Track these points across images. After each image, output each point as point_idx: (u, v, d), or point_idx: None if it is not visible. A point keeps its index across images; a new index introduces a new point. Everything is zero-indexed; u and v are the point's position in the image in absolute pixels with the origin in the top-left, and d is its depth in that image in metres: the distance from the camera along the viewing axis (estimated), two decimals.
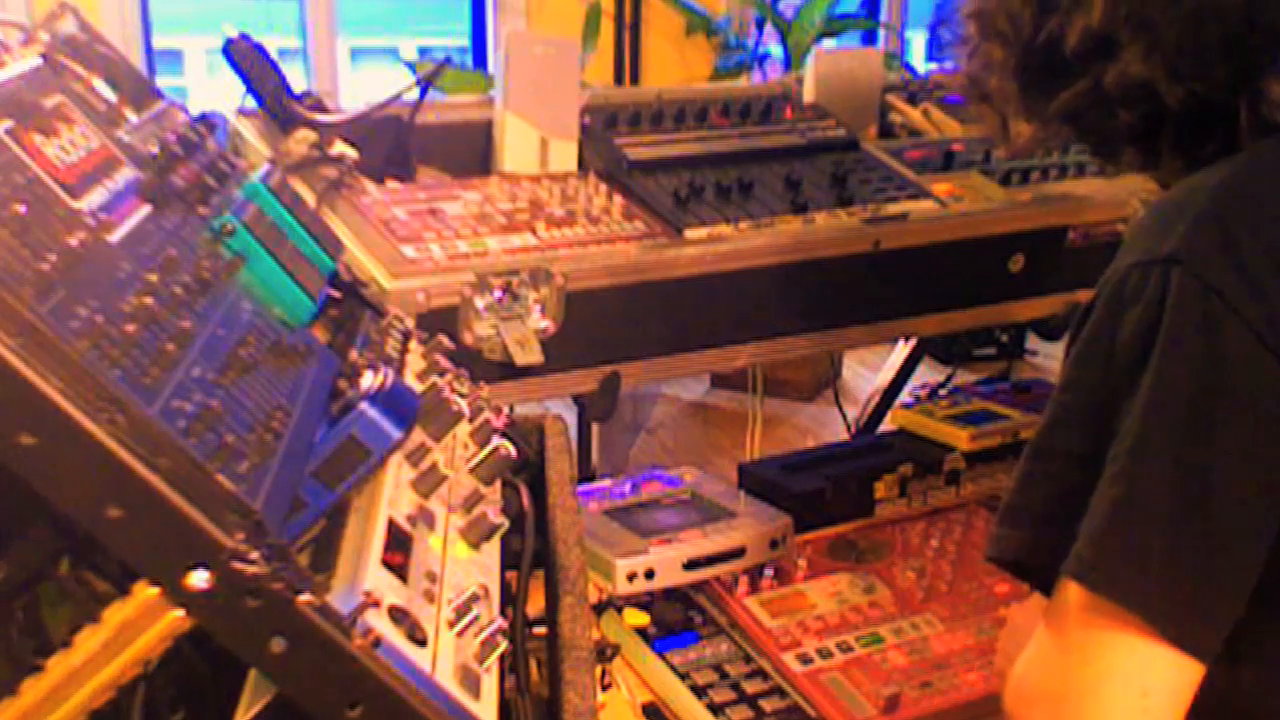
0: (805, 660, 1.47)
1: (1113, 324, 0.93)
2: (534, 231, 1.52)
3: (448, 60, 1.87)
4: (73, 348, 0.69)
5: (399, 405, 0.91)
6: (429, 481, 0.94)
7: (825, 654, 1.49)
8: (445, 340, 1.20)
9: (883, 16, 5.23)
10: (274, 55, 1.57)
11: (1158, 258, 0.91)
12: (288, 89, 1.57)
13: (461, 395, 1.06)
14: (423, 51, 6.75)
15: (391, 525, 0.86)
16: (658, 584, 1.51)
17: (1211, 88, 0.99)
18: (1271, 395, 0.88)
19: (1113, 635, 0.90)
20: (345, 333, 1.12)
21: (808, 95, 1.96)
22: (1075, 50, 1.02)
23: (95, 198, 0.87)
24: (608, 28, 4.34)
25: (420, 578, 0.84)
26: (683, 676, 1.42)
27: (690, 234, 1.58)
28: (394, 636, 0.75)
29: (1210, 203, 0.94)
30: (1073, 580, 0.92)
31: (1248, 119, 0.99)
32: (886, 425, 2.16)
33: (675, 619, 1.52)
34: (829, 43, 4.46)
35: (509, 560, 1.03)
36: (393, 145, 1.67)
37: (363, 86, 6.75)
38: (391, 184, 1.58)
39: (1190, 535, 0.89)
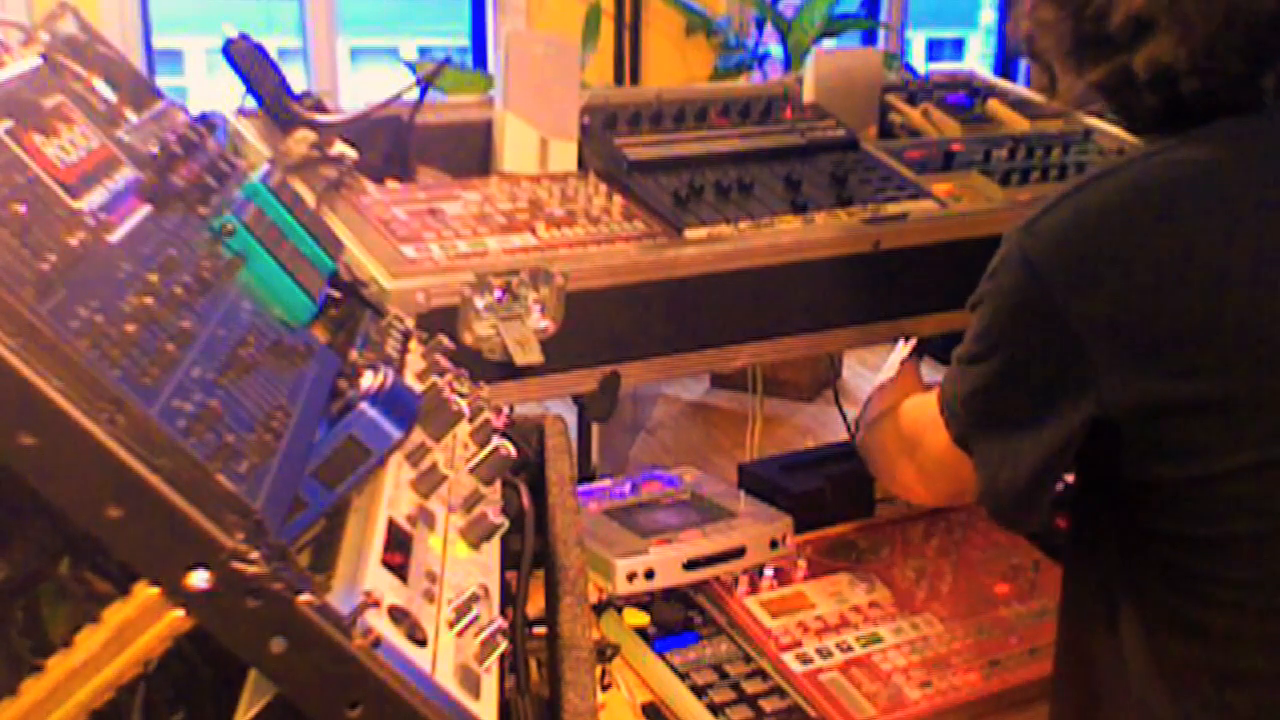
0: (805, 660, 1.47)
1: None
2: (534, 231, 1.52)
3: (448, 60, 1.87)
4: (73, 348, 0.69)
5: (399, 405, 0.91)
6: (429, 481, 0.94)
7: (825, 654, 1.49)
8: (445, 340, 1.20)
9: (883, 16, 5.24)
10: (274, 55, 1.57)
11: (1026, 222, 1.14)
12: (288, 89, 1.57)
13: (461, 395, 1.06)
14: (423, 51, 6.77)
15: (391, 525, 0.86)
16: (658, 584, 1.51)
17: (1224, 82, 1.07)
18: (1047, 320, 1.10)
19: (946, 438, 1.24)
20: (345, 333, 1.12)
21: (808, 95, 1.96)
22: (1118, 27, 1.09)
23: (95, 198, 0.87)
24: (608, 28, 4.34)
25: (420, 578, 0.84)
26: (683, 676, 1.42)
27: (690, 234, 1.58)
28: (394, 636, 0.75)
29: (1083, 192, 1.12)
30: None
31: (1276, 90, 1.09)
32: None
33: (675, 619, 1.52)
34: (829, 43, 4.46)
35: (509, 560, 1.03)
36: (393, 145, 1.67)
37: (363, 86, 6.76)
38: (391, 184, 1.58)
39: (983, 405, 1.20)
